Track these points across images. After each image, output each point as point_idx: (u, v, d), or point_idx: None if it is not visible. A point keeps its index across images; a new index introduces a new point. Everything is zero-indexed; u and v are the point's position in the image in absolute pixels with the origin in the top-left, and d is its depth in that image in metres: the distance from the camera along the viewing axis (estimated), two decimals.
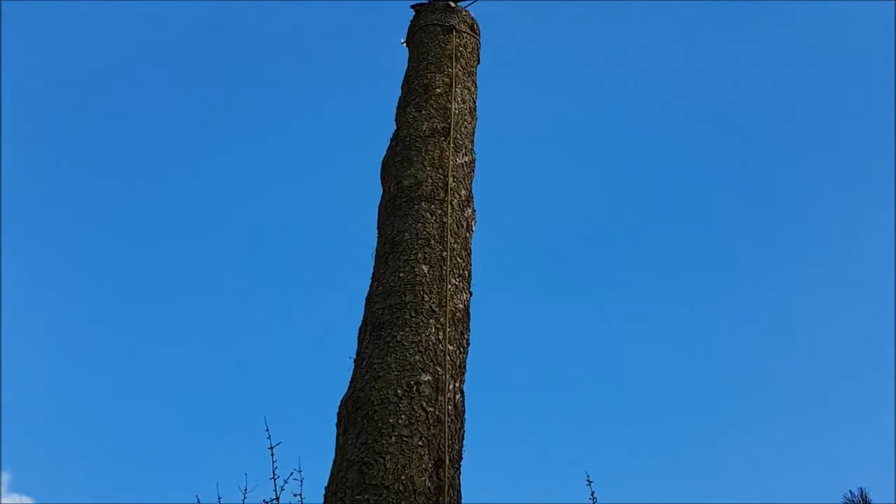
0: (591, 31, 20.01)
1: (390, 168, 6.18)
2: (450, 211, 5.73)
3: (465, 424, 4.95)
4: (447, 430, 4.70)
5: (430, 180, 5.89)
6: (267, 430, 7.22)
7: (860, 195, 19.23)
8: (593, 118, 19.48)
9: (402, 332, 5.00)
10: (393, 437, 4.54)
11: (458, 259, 5.56)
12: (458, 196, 5.91)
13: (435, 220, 5.64)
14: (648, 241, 18.43)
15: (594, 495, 7.19)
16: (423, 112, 6.41)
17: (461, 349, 5.19)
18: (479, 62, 7.26)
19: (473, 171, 6.30)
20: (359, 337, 5.25)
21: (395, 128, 6.54)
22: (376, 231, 5.91)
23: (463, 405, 4.97)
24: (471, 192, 6.14)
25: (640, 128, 19.59)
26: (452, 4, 7.40)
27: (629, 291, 17.89)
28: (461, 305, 5.37)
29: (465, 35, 7.16)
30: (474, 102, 6.80)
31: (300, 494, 7.01)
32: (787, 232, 19.07)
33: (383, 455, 4.46)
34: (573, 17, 19.83)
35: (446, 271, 5.38)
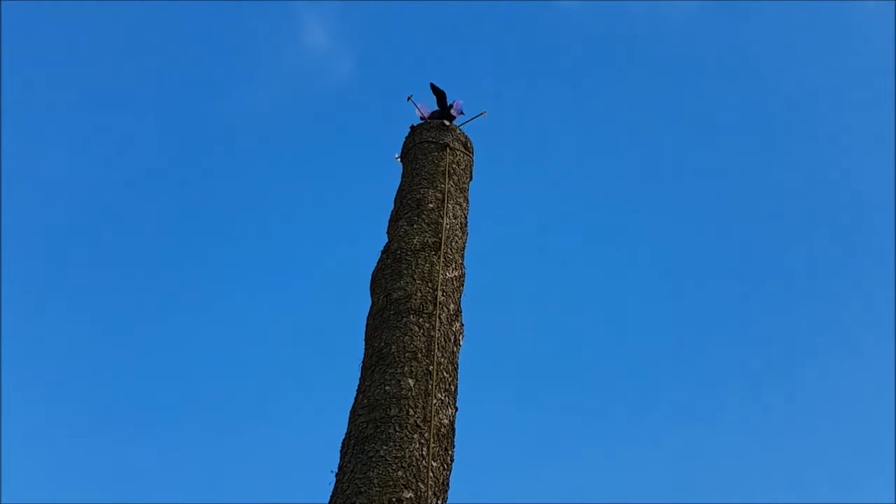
0: (583, 161, 20.37)
1: (380, 280, 6.20)
2: (438, 325, 5.72)
3: None
4: None
5: (419, 294, 5.90)
6: None
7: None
8: (586, 231, 19.64)
9: (385, 447, 4.92)
10: None
11: (445, 374, 5.52)
12: (446, 310, 5.92)
13: (423, 334, 5.63)
14: (639, 360, 18.30)
15: None
16: (415, 226, 6.48)
17: (445, 466, 5.10)
18: (471, 179, 7.40)
19: (463, 285, 6.33)
20: (341, 450, 5.16)
21: (386, 240, 6.60)
22: (363, 342, 5.89)
23: None
24: (459, 306, 6.15)
25: (631, 241, 19.71)
26: (447, 123, 7.61)
27: (620, 412, 17.70)
28: (446, 421, 5.31)
29: (458, 152, 7.31)
30: (465, 218, 6.89)
31: None
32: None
33: None
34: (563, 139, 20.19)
35: (432, 386, 5.34)
